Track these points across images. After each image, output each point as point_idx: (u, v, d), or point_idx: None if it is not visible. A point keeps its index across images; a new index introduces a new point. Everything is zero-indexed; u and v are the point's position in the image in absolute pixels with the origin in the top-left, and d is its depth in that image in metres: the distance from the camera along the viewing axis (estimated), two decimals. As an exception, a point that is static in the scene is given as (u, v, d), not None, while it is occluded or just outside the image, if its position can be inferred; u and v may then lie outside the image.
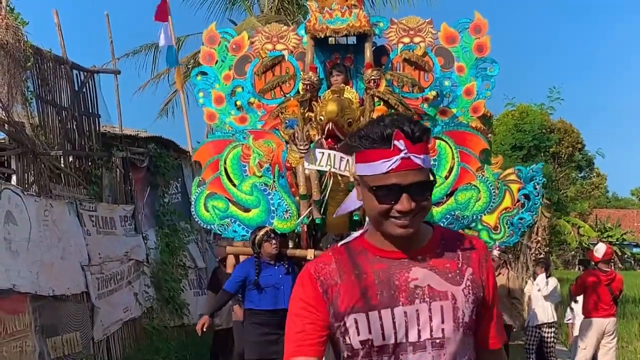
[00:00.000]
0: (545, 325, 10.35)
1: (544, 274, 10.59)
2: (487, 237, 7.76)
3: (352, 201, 2.28)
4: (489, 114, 7.87)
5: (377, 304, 1.95)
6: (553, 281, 10.60)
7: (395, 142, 1.89)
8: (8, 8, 8.33)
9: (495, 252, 9.32)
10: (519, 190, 7.05)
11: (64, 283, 8.45)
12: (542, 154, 22.35)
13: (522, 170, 7.15)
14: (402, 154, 1.90)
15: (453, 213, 6.63)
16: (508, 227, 7.35)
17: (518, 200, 7.07)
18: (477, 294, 2.02)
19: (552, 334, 10.47)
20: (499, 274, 9.47)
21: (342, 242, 2.11)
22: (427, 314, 1.96)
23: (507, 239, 7.64)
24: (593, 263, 9.51)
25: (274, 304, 6.49)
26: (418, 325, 1.95)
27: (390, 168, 1.90)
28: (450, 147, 6.57)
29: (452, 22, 6.92)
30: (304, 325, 1.99)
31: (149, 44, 15.93)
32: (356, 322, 1.96)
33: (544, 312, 10.35)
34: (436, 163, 6.63)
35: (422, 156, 1.93)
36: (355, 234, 2.12)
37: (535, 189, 7.29)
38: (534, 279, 11.04)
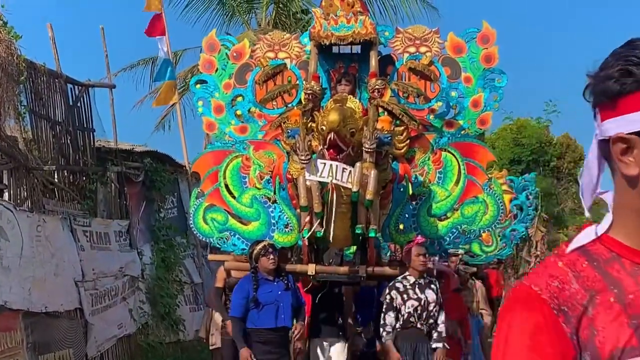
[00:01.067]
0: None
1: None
2: (478, 250, 7.55)
3: (589, 189, 1.36)
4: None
5: None
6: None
7: None
8: (1, 22, 8.24)
9: (460, 267, 9.04)
10: (510, 201, 6.89)
11: (57, 299, 8.32)
12: (542, 168, 22.34)
13: (515, 181, 7.00)
14: None
15: (459, 227, 6.46)
16: (500, 239, 7.17)
17: (510, 212, 6.90)
18: None
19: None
20: (465, 288, 9.14)
21: (573, 245, 1.33)
22: None
23: (500, 252, 7.45)
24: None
25: (275, 322, 6.26)
26: None
27: None
28: (457, 159, 6.40)
29: (456, 31, 6.79)
30: None
31: (146, 59, 15.89)
32: None
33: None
34: (442, 175, 6.47)
35: None
36: (587, 233, 1.35)
37: (528, 199, 7.09)
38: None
